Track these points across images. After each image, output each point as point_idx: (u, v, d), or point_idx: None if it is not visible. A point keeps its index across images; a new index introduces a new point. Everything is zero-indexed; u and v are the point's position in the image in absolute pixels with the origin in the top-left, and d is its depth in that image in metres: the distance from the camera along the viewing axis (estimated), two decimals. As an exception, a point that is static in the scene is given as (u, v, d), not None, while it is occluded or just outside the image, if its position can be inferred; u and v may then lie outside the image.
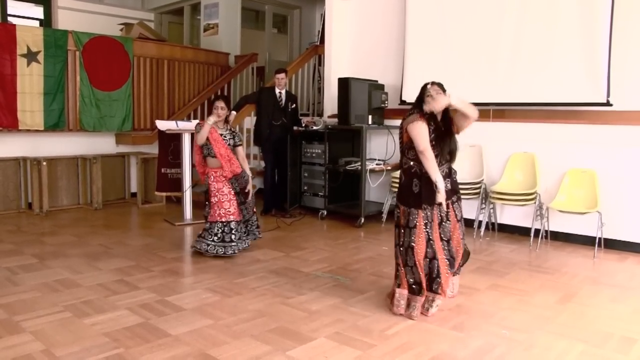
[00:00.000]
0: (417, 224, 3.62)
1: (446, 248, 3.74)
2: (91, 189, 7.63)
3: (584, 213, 5.45)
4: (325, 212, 7.07)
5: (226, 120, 5.21)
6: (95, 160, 7.51)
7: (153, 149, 7.81)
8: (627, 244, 5.53)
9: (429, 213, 3.63)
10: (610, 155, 5.57)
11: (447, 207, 3.70)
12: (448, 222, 3.73)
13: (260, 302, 3.94)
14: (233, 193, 5.10)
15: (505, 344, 3.27)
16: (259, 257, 5.16)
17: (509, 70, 6.18)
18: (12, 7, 10.31)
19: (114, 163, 8.07)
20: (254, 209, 5.40)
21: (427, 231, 3.63)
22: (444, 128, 3.65)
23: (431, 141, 3.57)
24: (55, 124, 7.32)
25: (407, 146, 3.69)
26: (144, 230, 6.41)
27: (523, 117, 6.21)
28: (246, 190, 5.19)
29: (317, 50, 8.83)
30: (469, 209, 6.40)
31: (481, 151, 6.37)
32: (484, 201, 6.17)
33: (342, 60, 7.89)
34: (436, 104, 3.52)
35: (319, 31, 9.99)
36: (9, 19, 10.04)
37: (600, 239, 5.52)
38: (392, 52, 7.27)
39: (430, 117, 3.61)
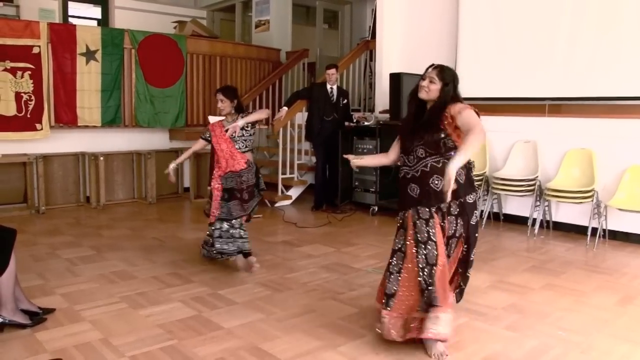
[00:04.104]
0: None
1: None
2: (146, 183, 7.81)
3: (646, 212, 5.25)
4: (376, 208, 7.04)
5: (240, 110, 4.65)
6: (150, 155, 7.69)
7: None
8: (692, 244, 5.31)
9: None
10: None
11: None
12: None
13: (311, 297, 3.95)
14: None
15: (562, 346, 3.18)
16: (310, 253, 5.18)
17: (567, 64, 5.99)
18: (73, 8, 10.66)
19: (168, 158, 8.14)
20: (246, 218, 4.69)
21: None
22: (425, 120, 3.12)
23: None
24: (111, 120, 7.53)
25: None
26: (196, 224, 6.51)
27: (580, 112, 6.01)
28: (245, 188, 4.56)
29: (368, 45, 8.77)
30: (523, 206, 6.27)
31: (536, 147, 6.21)
32: (538, 198, 6.02)
33: (393, 55, 7.83)
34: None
35: (369, 26, 9.93)
36: (69, 19, 10.39)
37: (662, 238, 5.32)
38: (444, 47, 7.16)
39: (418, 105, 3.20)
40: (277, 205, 7.51)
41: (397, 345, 3.10)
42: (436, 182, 3.02)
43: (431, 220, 3.03)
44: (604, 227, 5.67)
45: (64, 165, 7.32)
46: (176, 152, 8.25)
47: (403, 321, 3.08)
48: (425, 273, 3.00)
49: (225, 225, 4.53)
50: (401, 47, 7.81)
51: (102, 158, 7.30)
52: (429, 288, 2.99)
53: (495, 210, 6.58)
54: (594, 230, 5.57)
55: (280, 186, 7.63)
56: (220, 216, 4.53)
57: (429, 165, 3.06)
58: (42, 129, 6.94)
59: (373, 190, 7.13)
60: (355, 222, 6.60)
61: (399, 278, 3.09)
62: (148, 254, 5.05)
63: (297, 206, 7.60)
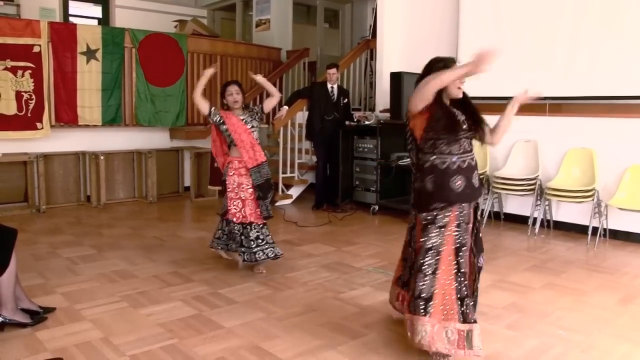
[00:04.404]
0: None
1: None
2: (146, 182, 7.81)
3: (646, 211, 5.25)
4: (376, 207, 7.04)
5: (245, 105, 4.62)
6: (150, 154, 7.68)
7: (206, 144, 7.93)
8: (693, 243, 5.30)
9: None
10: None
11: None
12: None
13: (311, 296, 3.95)
14: (252, 190, 4.49)
15: (562, 345, 3.18)
16: (311, 252, 5.18)
17: (568, 63, 5.98)
18: (73, 7, 10.66)
19: (168, 157, 8.23)
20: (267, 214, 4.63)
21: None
22: (465, 112, 3.04)
23: (441, 130, 2.92)
24: (112, 119, 7.52)
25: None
26: (197, 223, 6.52)
27: (581, 111, 6.00)
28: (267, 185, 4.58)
29: (368, 44, 8.77)
30: (524, 205, 6.27)
31: (536, 146, 6.21)
32: (539, 197, 6.01)
33: (394, 54, 7.82)
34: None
35: (370, 25, 9.92)
36: (70, 18, 10.39)
37: (663, 238, 5.31)
38: (445, 46, 7.14)
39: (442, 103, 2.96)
40: (277, 204, 7.50)
41: (398, 345, 3.10)
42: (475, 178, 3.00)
43: (469, 225, 2.92)
44: (605, 227, 5.67)
45: (64, 164, 7.32)
46: (177, 152, 8.28)
47: (444, 331, 2.85)
48: (461, 281, 2.88)
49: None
50: (402, 46, 7.81)
51: (102, 157, 7.30)
52: (466, 300, 2.88)
53: (496, 209, 6.58)
54: (595, 229, 5.57)
55: (280, 185, 7.63)
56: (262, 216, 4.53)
57: (474, 158, 3.06)
58: (42, 128, 6.93)
59: (374, 189, 7.13)
60: (355, 221, 6.60)
61: (435, 279, 2.87)
62: (148, 253, 5.05)
63: (298, 205, 7.60)
